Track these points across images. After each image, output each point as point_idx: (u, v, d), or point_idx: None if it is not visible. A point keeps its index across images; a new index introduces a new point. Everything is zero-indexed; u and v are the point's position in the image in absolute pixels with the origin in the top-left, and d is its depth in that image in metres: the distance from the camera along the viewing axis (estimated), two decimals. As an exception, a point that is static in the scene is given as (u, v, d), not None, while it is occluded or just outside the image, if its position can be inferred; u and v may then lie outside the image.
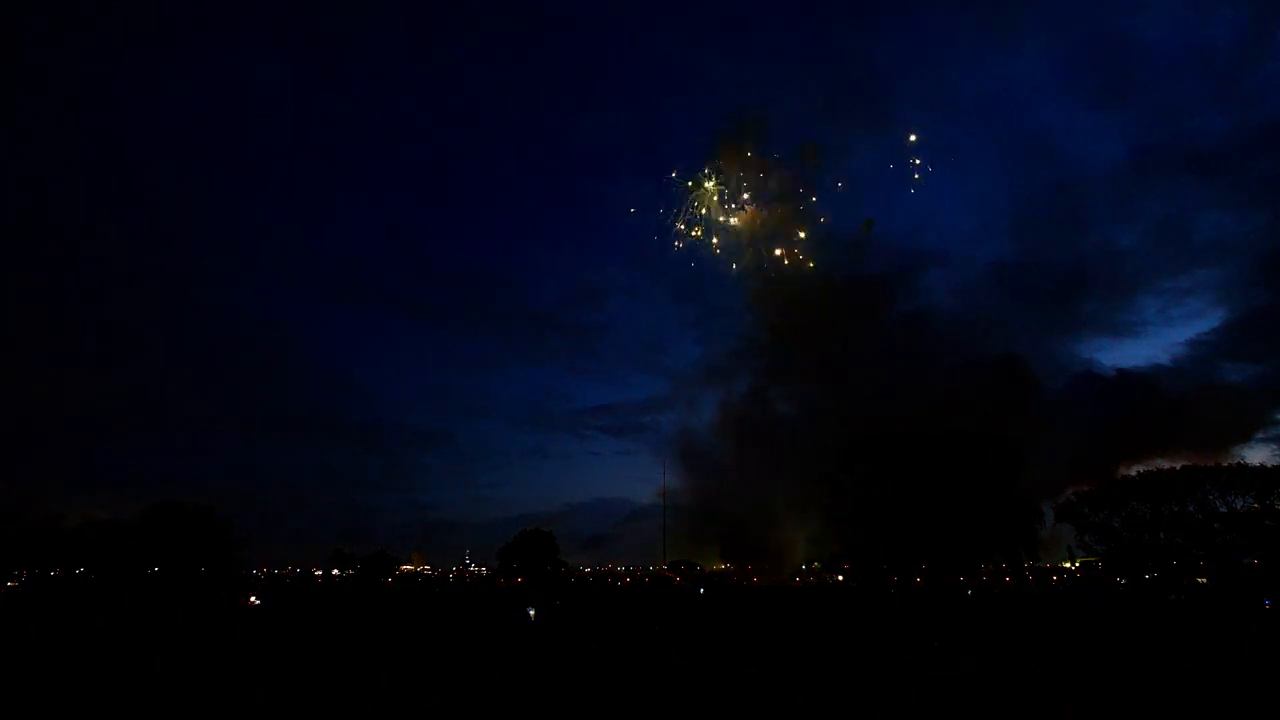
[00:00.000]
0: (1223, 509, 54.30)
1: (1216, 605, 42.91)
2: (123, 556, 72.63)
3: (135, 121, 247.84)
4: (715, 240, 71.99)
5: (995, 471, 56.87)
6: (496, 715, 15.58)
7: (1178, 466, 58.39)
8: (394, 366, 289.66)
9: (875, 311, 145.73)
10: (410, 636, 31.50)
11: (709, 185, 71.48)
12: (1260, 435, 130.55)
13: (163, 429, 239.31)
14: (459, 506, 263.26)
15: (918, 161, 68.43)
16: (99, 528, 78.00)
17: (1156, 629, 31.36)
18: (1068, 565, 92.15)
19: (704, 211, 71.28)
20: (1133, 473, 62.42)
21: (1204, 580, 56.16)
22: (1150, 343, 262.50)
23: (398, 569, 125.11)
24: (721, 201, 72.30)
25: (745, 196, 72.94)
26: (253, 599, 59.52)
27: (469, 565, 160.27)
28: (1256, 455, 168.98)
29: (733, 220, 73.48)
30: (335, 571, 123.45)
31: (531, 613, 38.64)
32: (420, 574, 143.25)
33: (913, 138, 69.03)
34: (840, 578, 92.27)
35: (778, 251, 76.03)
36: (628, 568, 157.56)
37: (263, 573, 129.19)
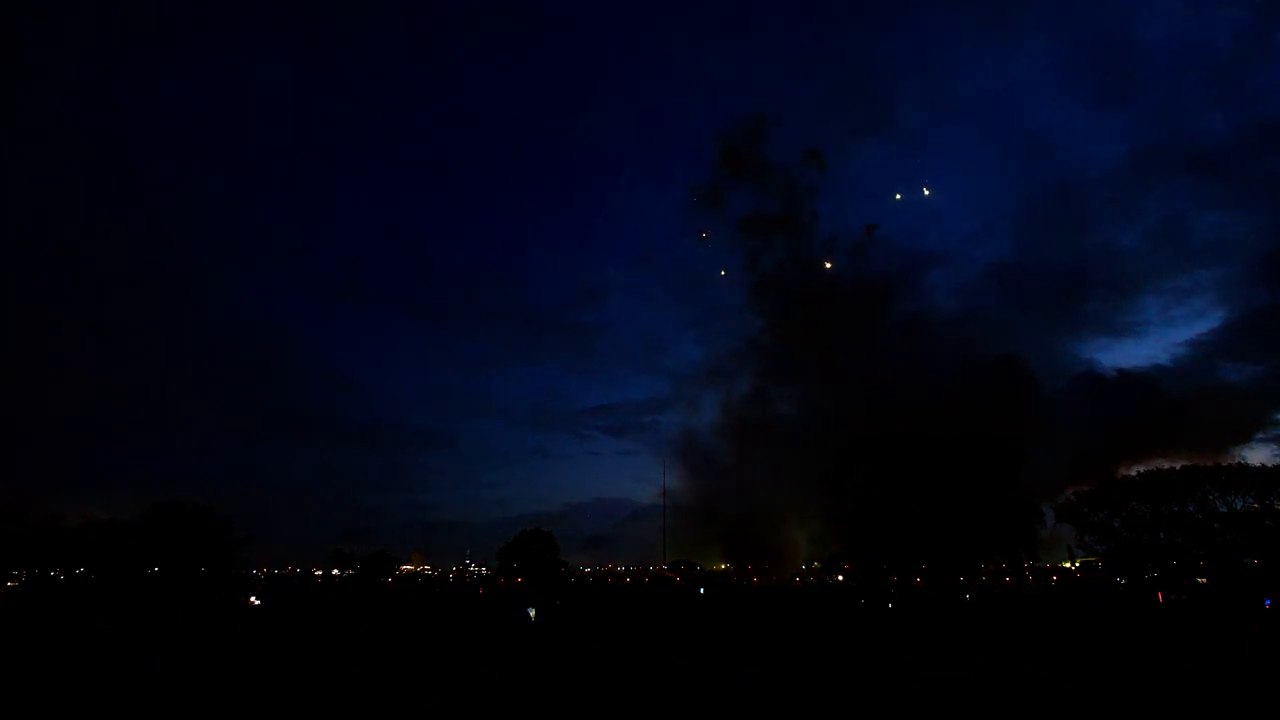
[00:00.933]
0: (1223, 509, 54.31)
1: (1216, 605, 42.90)
2: (123, 556, 72.60)
3: (135, 121, 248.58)
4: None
5: (995, 472, 56.89)
6: (496, 715, 15.58)
7: (1178, 466, 58.41)
8: (394, 366, 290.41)
9: (876, 312, 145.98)
10: (410, 636, 31.50)
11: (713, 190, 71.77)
12: (1260, 435, 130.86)
13: (163, 429, 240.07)
14: (459, 506, 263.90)
15: (927, 193, 68.88)
16: (99, 528, 78.02)
17: (1156, 629, 31.36)
18: (1068, 565, 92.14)
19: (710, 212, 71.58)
20: (1133, 473, 62.46)
21: (1204, 580, 56.15)
22: (1150, 343, 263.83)
23: (398, 569, 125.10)
24: (724, 204, 72.55)
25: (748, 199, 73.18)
26: (252, 599, 59.53)
27: (469, 565, 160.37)
28: (1256, 455, 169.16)
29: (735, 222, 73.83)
30: (335, 571, 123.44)
31: (532, 613, 38.66)
32: (420, 574, 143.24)
33: (926, 192, 69.61)
34: (840, 578, 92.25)
35: (780, 253, 76.31)
36: (628, 568, 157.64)
37: (263, 573, 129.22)
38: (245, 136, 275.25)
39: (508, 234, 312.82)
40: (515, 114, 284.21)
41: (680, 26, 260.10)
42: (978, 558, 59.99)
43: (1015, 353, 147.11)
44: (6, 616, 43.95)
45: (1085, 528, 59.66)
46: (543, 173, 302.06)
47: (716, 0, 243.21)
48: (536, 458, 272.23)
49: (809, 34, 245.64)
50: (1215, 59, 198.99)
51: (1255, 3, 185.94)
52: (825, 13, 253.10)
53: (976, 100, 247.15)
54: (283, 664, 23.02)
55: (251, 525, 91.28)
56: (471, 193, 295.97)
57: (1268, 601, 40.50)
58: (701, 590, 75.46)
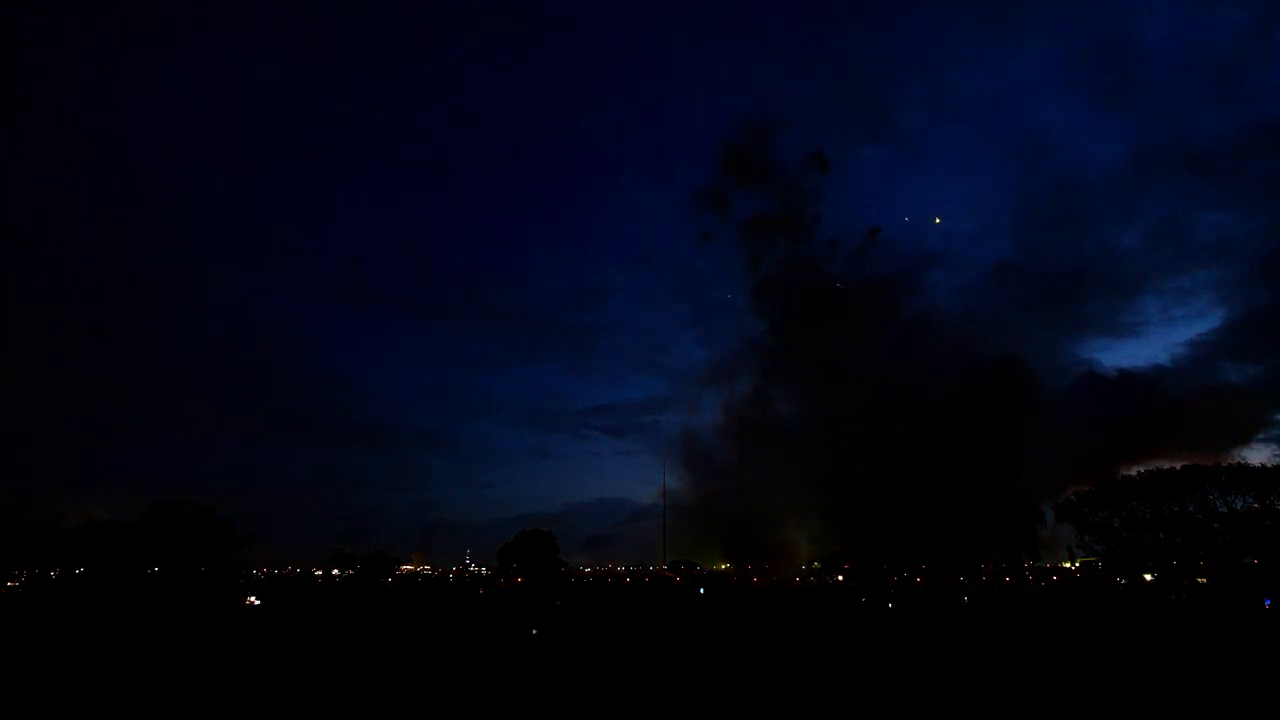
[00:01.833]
0: (1223, 509, 54.25)
1: (1216, 605, 42.90)
2: (123, 556, 72.52)
3: (135, 121, 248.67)
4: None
5: (995, 472, 56.84)
6: (496, 715, 15.57)
7: (1178, 466, 58.30)
8: (394, 366, 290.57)
9: (876, 313, 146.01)
10: (410, 637, 31.50)
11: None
12: (1260, 435, 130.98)
13: (163, 429, 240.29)
14: (459, 506, 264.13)
15: (939, 220, 69.17)
16: (99, 528, 77.92)
17: (1156, 629, 31.35)
18: (1068, 565, 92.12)
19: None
20: (1133, 473, 62.36)
21: (1204, 580, 56.15)
22: (1151, 343, 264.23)
23: (398, 569, 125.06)
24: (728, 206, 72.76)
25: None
26: (252, 599, 59.52)
27: (469, 565, 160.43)
28: (1256, 455, 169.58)
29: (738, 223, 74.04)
30: (335, 571, 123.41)
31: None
32: (420, 574, 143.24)
33: (938, 220, 69.94)
34: (840, 578, 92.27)
35: (781, 253, 76.55)
36: (628, 568, 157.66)
37: (263, 573, 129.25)
38: (245, 136, 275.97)
39: (508, 234, 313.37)
40: (515, 114, 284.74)
41: (680, 27, 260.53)
42: (978, 558, 59.95)
43: (1015, 353, 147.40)
44: (7, 616, 43.94)
45: (1085, 528, 59.61)
46: (543, 173, 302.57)
47: (717, 1, 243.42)
48: (536, 458, 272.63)
49: (809, 34, 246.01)
50: (1215, 59, 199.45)
51: (1255, 3, 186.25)
52: (825, 13, 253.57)
53: (976, 100, 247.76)
54: (283, 664, 23.02)
55: (251, 525, 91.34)
56: (471, 193, 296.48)
57: (1268, 601, 40.51)
58: (701, 590, 75.47)
